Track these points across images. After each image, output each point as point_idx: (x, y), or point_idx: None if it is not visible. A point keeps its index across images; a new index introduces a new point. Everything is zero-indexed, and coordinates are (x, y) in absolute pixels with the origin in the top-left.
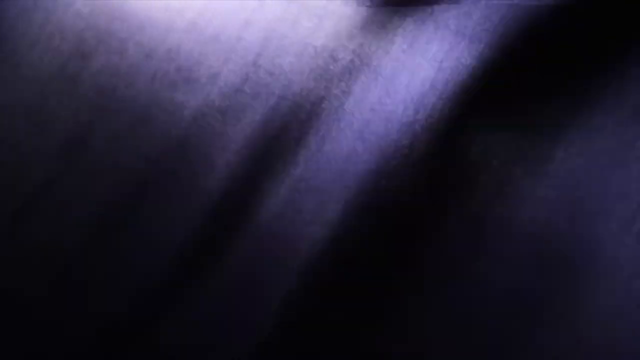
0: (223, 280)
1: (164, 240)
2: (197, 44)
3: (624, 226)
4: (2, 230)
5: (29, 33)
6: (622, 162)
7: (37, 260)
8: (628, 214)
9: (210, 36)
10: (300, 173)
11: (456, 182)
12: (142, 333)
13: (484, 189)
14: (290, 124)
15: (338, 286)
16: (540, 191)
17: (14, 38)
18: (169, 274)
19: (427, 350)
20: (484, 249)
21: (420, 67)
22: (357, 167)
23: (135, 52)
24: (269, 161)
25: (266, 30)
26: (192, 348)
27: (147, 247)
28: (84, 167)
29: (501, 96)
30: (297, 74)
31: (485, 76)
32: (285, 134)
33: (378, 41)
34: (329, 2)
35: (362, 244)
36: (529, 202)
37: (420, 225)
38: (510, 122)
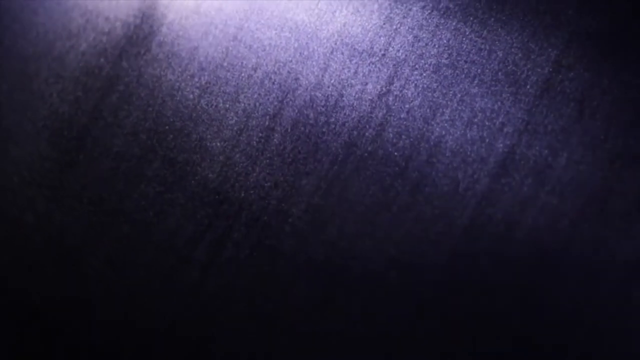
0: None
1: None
2: (179, 17)
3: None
4: None
5: (13, 14)
6: (623, 169)
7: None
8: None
9: (191, 9)
10: (276, 147)
11: (429, 159)
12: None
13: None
14: (265, 98)
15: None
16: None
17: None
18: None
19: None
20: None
21: (395, 40)
22: (331, 138)
23: (122, 30)
24: (246, 135)
25: (246, 3)
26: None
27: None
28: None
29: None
30: (276, 49)
31: (463, 52)
32: (261, 108)
33: (356, 18)
34: None
35: (334, 215)
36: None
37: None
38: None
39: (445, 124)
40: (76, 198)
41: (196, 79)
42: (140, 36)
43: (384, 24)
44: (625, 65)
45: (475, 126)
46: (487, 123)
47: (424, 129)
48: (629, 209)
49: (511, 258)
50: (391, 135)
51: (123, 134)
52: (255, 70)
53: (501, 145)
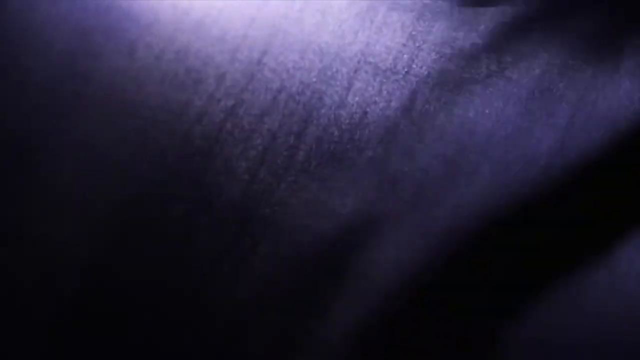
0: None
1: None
2: (205, 44)
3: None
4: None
5: (34, 31)
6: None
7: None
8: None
9: (216, 36)
10: (301, 164)
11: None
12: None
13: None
14: (289, 118)
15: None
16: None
17: (19, 36)
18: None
19: None
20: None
21: (418, 57)
22: (356, 154)
23: (145, 53)
24: (271, 154)
25: (271, 28)
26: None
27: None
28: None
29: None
30: (300, 71)
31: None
32: (286, 127)
33: (379, 37)
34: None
35: (364, 232)
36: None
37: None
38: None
39: (482, 145)
40: (102, 221)
41: (222, 103)
42: (165, 60)
43: (407, 41)
44: None
45: (510, 144)
46: (521, 144)
47: (455, 150)
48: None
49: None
50: (423, 154)
51: (150, 158)
52: (279, 92)
53: (535, 167)
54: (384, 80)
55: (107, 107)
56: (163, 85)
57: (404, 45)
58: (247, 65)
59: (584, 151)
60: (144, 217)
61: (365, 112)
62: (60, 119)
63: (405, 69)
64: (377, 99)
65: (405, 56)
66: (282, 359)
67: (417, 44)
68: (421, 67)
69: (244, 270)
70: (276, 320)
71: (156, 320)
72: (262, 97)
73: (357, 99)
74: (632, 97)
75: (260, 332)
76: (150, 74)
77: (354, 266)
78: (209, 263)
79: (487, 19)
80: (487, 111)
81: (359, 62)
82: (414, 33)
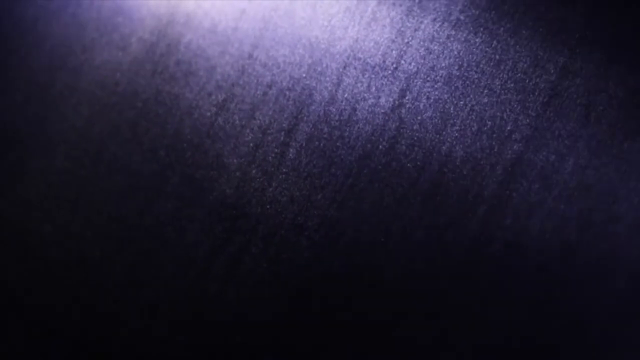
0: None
1: (171, 238)
2: (196, 36)
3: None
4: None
5: (28, 25)
6: (629, 172)
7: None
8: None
9: (207, 28)
10: (292, 162)
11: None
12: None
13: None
14: (280, 115)
15: (329, 277)
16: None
17: (13, 29)
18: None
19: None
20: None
21: (407, 52)
22: (346, 152)
23: (138, 46)
24: (262, 151)
25: (261, 21)
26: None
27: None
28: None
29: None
30: (290, 66)
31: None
32: (276, 124)
33: (368, 32)
34: None
35: (349, 227)
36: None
37: (409, 217)
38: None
39: (456, 134)
40: (95, 212)
41: (213, 97)
42: (157, 54)
43: (396, 37)
44: (631, 70)
45: (484, 135)
46: (496, 131)
47: (436, 140)
48: (635, 215)
49: (519, 264)
50: (404, 147)
51: (141, 150)
52: (270, 87)
53: (509, 152)
54: (373, 76)
55: (99, 99)
56: (155, 78)
57: (393, 41)
58: (238, 59)
59: (555, 137)
60: (134, 209)
61: (355, 109)
62: (52, 111)
63: (394, 65)
64: (366, 95)
65: (394, 52)
66: (271, 349)
67: (405, 40)
68: (410, 64)
69: (234, 268)
70: (262, 318)
71: (146, 312)
72: (252, 92)
73: (346, 95)
74: (605, 87)
75: (249, 327)
76: (142, 66)
77: (338, 262)
78: (200, 259)
79: (471, 16)
80: (462, 102)
81: (348, 57)
82: (402, 29)
